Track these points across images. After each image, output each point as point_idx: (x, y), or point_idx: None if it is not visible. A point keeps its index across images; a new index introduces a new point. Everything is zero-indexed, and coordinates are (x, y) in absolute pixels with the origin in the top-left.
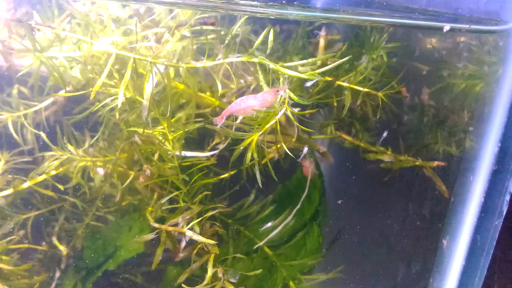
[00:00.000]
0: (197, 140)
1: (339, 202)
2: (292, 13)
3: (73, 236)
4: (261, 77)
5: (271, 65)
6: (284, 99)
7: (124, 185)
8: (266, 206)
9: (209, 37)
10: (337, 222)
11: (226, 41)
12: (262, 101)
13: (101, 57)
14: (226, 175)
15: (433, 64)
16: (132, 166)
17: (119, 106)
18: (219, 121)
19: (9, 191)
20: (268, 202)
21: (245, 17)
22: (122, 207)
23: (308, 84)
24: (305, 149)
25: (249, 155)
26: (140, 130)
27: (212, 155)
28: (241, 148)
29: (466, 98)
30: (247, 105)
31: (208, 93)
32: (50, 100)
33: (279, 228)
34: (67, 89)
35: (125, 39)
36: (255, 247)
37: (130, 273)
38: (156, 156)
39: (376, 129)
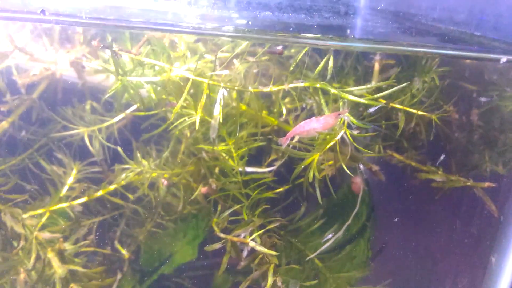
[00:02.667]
0: (255, 156)
1: (396, 220)
2: (351, 45)
3: (133, 241)
4: (322, 101)
5: (332, 90)
6: (344, 121)
7: (193, 197)
8: (316, 219)
9: (274, 62)
10: (385, 237)
11: (291, 69)
12: (324, 124)
13: (177, 81)
14: (281, 189)
15: (483, 86)
16: (197, 179)
17: (197, 126)
18: (284, 141)
19: (83, 199)
20: (318, 215)
21: (306, 48)
22: (181, 215)
23: (371, 110)
24: (361, 167)
25: (311, 174)
26: (209, 148)
27: (270, 171)
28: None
29: None
30: (310, 127)
31: (265, 112)
32: (121, 115)
33: (330, 241)
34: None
35: (198, 65)
36: (307, 258)
37: (183, 277)
38: (216, 170)
39: (426, 148)
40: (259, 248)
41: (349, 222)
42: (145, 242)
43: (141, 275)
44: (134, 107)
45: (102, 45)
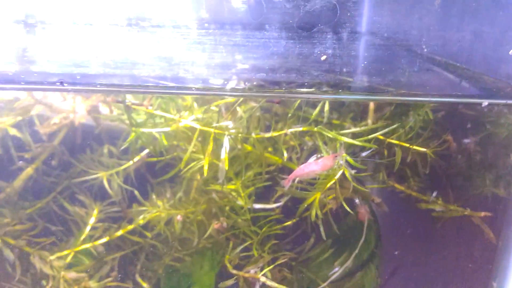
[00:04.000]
0: (263, 193)
1: (396, 253)
2: (343, 97)
3: (153, 274)
4: (320, 143)
5: (328, 134)
6: (340, 163)
7: (206, 234)
8: (326, 249)
9: (273, 110)
10: (391, 265)
11: (289, 115)
12: (323, 166)
13: (186, 130)
14: (289, 223)
15: (477, 115)
16: (209, 216)
17: (205, 172)
18: (287, 183)
19: (105, 238)
20: (328, 245)
21: (299, 101)
22: (197, 249)
23: (364, 154)
24: (357, 201)
25: (313, 212)
26: (218, 188)
27: (277, 207)
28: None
29: (510, 144)
30: (310, 169)
31: (270, 149)
32: (136, 158)
33: (340, 270)
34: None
35: (204, 114)
36: (319, 287)
37: None
38: (227, 208)
39: (425, 178)
40: (270, 283)
41: (356, 251)
42: (164, 275)
43: None
44: (147, 150)
45: (116, 100)
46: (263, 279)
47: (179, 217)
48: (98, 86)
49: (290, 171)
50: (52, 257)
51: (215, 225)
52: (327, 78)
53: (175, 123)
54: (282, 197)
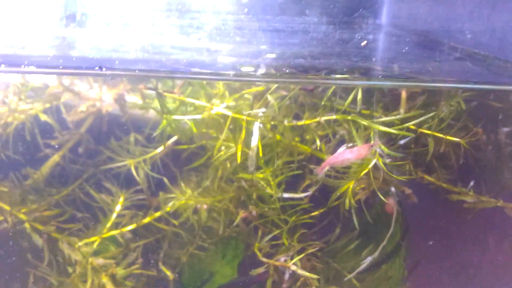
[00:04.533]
0: (290, 182)
1: (429, 239)
2: (376, 83)
3: (177, 262)
4: (354, 132)
5: (363, 122)
6: (376, 151)
7: (235, 222)
8: (352, 240)
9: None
10: (419, 257)
11: (323, 103)
12: (357, 155)
13: (217, 118)
14: (316, 213)
15: (509, 104)
16: (237, 205)
17: (238, 160)
18: (320, 171)
19: (132, 226)
20: (354, 236)
21: (333, 87)
22: (221, 238)
23: (402, 142)
24: (393, 189)
25: (347, 201)
26: (248, 176)
27: (305, 196)
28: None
29: None
30: (344, 157)
31: (297, 139)
32: (162, 147)
33: (367, 262)
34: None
35: (237, 102)
36: (345, 279)
37: None
38: (254, 197)
39: (456, 169)
40: (301, 271)
41: (384, 243)
42: (187, 263)
43: None
44: (175, 138)
45: (148, 88)
46: (293, 267)
47: (205, 206)
48: (136, 71)
49: (319, 160)
50: (80, 243)
51: (242, 213)
52: (367, 63)
53: (206, 110)
54: (310, 187)
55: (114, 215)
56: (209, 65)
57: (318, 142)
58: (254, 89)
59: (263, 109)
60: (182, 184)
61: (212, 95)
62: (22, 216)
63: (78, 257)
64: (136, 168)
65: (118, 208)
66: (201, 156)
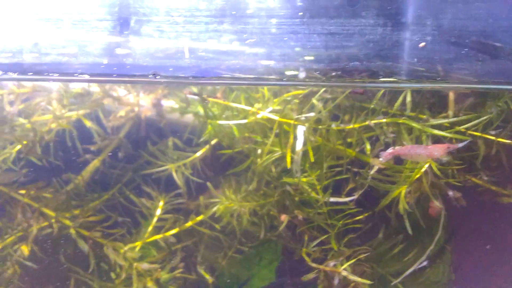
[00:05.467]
0: (333, 186)
1: (488, 247)
2: (426, 86)
3: (215, 266)
4: (405, 135)
5: (415, 125)
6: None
7: (281, 228)
8: (396, 244)
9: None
10: (466, 261)
11: (372, 106)
12: (431, 153)
13: (263, 122)
14: (361, 217)
15: None
16: (281, 209)
17: (288, 165)
18: (386, 156)
19: (174, 230)
20: (398, 240)
21: (382, 90)
22: (260, 242)
23: (460, 145)
24: (450, 193)
25: (400, 206)
26: (293, 181)
27: (351, 201)
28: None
29: None
30: (416, 152)
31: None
32: (201, 151)
33: (415, 266)
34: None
35: (280, 105)
36: (392, 283)
37: None
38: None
39: (505, 171)
40: (353, 277)
41: (432, 247)
42: (226, 266)
43: None
44: (213, 142)
45: (191, 93)
46: (345, 273)
47: (246, 210)
48: (190, 78)
49: (362, 164)
50: (126, 248)
51: (282, 217)
52: (426, 66)
53: (251, 115)
54: (355, 190)
55: (155, 219)
56: (251, 69)
57: (368, 146)
58: (299, 91)
59: (312, 114)
60: (225, 189)
61: (254, 99)
62: (67, 222)
63: (123, 262)
64: (176, 172)
65: (158, 212)
66: (240, 160)
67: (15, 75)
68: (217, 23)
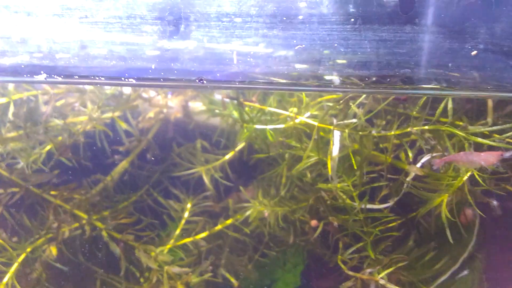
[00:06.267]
0: (366, 192)
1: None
2: (463, 94)
3: (240, 269)
4: (448, 143)
5: (459, 133)
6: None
7: (316, 234)
8: (428, 251)
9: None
10: (500, 269)
11: (413, 113)
12: (485, 160)
13: (301, 127)
14: (394, 224)
15: None
16: (314, 215)
17: (329, 170)
18: (438, 164)
19: (204, 233)
20: (430, 248)
21: (424, 97)
22: (286, 246)
23: (508, 154)
24: (495, 203)
25: (443, 215)
26: (328, 187)
27: (386, 208)
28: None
29: None
30: (469, 159)
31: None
32: (230, 154)
33: (447, 274)
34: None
35: (315, 110)
36: None
37: None
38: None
39: None
40: (390, 286)
41: (465, 255)
42: (247, 270)
43: None
44: (242, 145)
45: (229, 97)
46: (382, 281)
47: (274, 214)
48: (237, 83)
49: (396, 170)
50: (158, 250)
51: (312, 222)
52: (477, 74)
53: (288, 120)
54: (389, 197)
55: (183, 222)
56: (297, 74)
57: (410, 154)
58: (335, 96)
59: (354, 120)
60: (257, 193)
61: (288, 103)
62: (99, 224)
63: (154, 265)
64: (202, 176)
65: (186, 214)
66: (268, 164)
67: (60, 78)
68: (267, 28)
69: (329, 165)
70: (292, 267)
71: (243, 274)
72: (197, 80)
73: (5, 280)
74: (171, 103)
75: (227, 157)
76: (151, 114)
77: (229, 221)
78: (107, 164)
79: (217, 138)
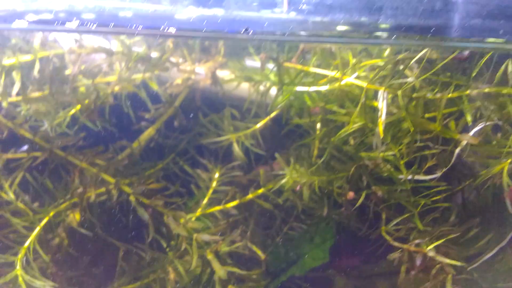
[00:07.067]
0: (410, 162)
1: None
2: None
3: (268, 242)
4: (510, 108)
5: None
6: None
7: (357, 205)
8: (473, 227)
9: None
10: None
11: (473, 74)
12: None
13: (347, 89)
14: (438, 197)
15: None
16: (354, 186)
17: (381, 133)
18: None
19: (234, 202)
20: (475, 223)
21: (490, 53)
22: (318, 219)
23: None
24: None
25: (504, 183)
26: (373, 155)
27: (432, 179)
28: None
29: None
30: None
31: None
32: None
33: (494, 251)
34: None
35: (361, 71)
36: (468, 268)
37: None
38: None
39: None
40: (440, 258)
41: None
42: (273, 244)
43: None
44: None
45: (269, 57)
46: (431, 253)
47: (298, 187)
48: (287, 35)
49: (446, 140)
50: (187, 217)
51: (350, 195)
52: None
53: (331, 81)
54: (436, 168)
55: (211, 191)
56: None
57: (469, 118)
58: (380, 60)
59: (410, 78)
60: (292, 161)
61: (330, 66)
62: (127, 189)
63: (184, 232)
64: (235, 143)
65: (214, 184)
66: (300, 133)
67: (94, 27)
68: None
69: (380, 130)
70: (321, 242)
71: (272, 247)
72: (243, 30)
73: (26, 244)
74: (199, 70)
75: (258, 125)
76: (178, 81)
77: (260, 191)
78: (134, 130)
79: (248, 106)
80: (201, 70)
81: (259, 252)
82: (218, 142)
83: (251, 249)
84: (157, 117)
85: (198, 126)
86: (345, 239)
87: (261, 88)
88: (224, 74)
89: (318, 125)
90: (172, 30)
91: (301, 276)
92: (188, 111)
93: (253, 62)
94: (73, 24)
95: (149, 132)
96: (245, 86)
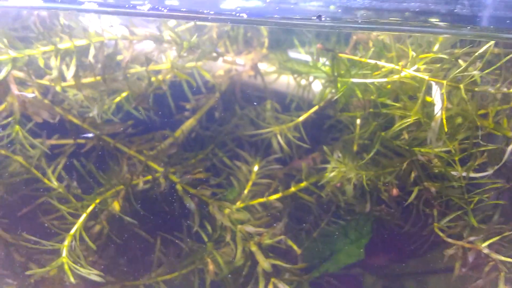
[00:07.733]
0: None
1: None
2: None
3: (301, 236)
4: None
5: None
6: None
7: (409, 200)
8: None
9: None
10: None
11: None
12: None
13: (408, 81)
14: (489, 194)
15: None
16: (406, 181)
17: (445, 127)
18: None
19: (277, 195)
20: None
21: None
22: (356, 215)
23: None
24: None
25: None
26: (427, 151)
27: (483, 176)
28: None
29: None
30: None
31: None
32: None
33: None
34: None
35: (419, 64)
36: None
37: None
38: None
39: None
40: (495, 255)
41: None
42: (309, 239)
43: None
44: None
45: (325, 48)
46: (486, 251)
47: (338, 184)
48: (359, 22)
49: (492, 137)
50: (233, 208)
51: (394, 192)
52: None
53: (393, 73)
54: (487, 166)
55: (251, 183)
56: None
57: None
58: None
59: (476, 72)
60: (339, 155)
61: (385, 57)
62: (174, 178)
63: (228, 223)
64: (277, 136)
65: (253, 176)
66: (341, 128)
67: (165, 11)
68: None
69: (444, 122)
70: (356, 239)
71: (308, 242)
72: (314, 18)
73: (72, 231)
74: (240, 61)
75: (301, 118)
76: (221, 72)
77: (302, 184)
78: (175, 120)
79: (291, 98)
80: (243, 62)
81: (295, 247)
82: (260, 134)
83: (286, 243)
84: (199, 107)
85: (239, 117)
86: (381, 236)
87: (310, 79)
88: (263, 66)
89: (358, 121)
90: (244, 15)
91: (333, 273)
92: (230, 102)
93: (296, 54)
94: (146, 7)
95: (190, 122)
96: (284, 79)
